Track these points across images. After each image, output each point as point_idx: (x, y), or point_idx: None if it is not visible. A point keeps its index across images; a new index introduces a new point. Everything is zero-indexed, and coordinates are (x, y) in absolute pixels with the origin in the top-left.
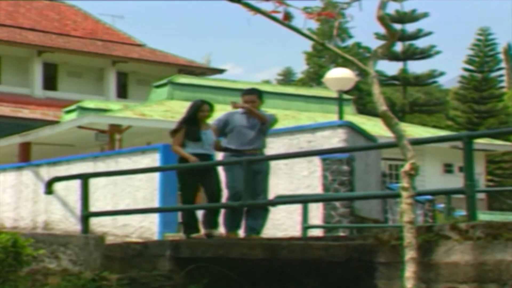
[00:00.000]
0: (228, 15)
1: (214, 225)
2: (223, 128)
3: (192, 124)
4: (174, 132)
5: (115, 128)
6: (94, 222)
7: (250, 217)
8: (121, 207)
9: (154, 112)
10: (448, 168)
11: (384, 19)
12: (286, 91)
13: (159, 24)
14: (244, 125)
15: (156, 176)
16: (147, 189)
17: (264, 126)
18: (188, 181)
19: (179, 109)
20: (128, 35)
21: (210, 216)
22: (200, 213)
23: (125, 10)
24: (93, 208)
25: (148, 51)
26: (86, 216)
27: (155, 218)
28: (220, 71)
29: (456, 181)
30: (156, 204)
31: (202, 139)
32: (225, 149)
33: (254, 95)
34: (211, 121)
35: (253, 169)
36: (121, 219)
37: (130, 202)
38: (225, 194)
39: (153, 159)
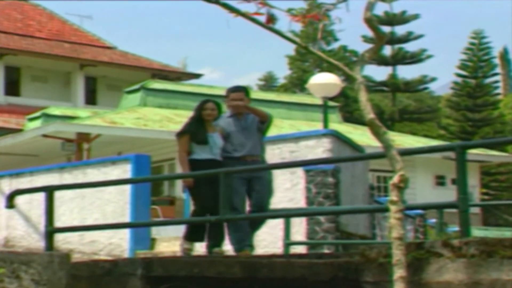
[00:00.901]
0: (206, 16)
1: (219, 240)
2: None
3: (197, 126)
4: (179, 135)
5: (83, 137)
6: (59, 238)
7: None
8: (89, 222)
9: (126, 120)
10: (440, 181)
11: (371, 21)
12: (268, 97)
13: (131, 25)
14: (232, 129)
15: (127, 188)
16: (117, 203)
17: (262, 126)
18: (200, 191)
19: (152, 116)
20: (98, 36)
21: (216, 230)
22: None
23: (94, 10)
24: (58, 223)
25: (119, 54)
26: (50, 232)
27: (125, 234)
28: (197, 76)
29: (449, 194)
30: (127, 219)
31: (209, 142)
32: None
33: (241, 92)
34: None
35: (249, 177)
36: (89, 235)
37: (99, 216)
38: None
39: (124, 170)
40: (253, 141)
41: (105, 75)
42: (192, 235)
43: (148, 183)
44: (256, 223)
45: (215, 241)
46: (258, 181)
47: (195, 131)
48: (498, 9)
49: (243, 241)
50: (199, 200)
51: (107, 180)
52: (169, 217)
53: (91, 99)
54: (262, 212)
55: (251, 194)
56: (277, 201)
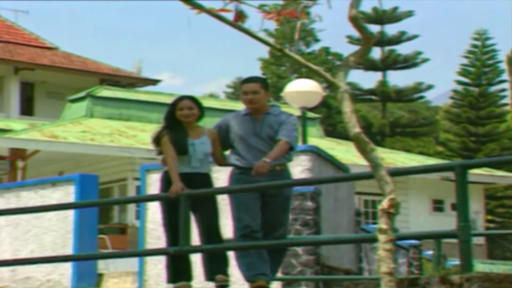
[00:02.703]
0: (166, 13)
1: (221, 272)
2: (225, 137)
3: (173, 130)
4: (155, 141)
5: (18, 153)
6: None
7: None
8: (24, 255)
9: (69, 133)
10: (437, 206)
11: (357, 20)
12: (237, 107)
13: (76, 23)
14: (249, 131)
15: (70, 214)
16: (57, 232)
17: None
18: (172, 213)
19: (100, 129)
20: (36, 35)
21: (213, 261)
22: (198, 256)
23: (32, 4)
24: None
25: (62, 56)
26: None
27: (67, 269)
28: (154, 81)
29: (448, 221)
30: (69, 251)
31: (188, 151)
32: (233, 165)
33: (256, 83)
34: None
35: (265, 193)
36: (23, 270)
37: (36, 248)
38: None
39: (67, 193)
40: (264, 150)
41: (45, 81)
42: (176, 275)
43: (95, 208)
44: (276, 252)
45: (215, 267)
46: (272, 198)
47: (171, 136)
48: (505, 5)
49: (255, 269)
50: (173, 226)
51: (46, 205)
52: (120, 248)
53: (27, 109)
54: (278, 236)
55: (265, 212)
56: None
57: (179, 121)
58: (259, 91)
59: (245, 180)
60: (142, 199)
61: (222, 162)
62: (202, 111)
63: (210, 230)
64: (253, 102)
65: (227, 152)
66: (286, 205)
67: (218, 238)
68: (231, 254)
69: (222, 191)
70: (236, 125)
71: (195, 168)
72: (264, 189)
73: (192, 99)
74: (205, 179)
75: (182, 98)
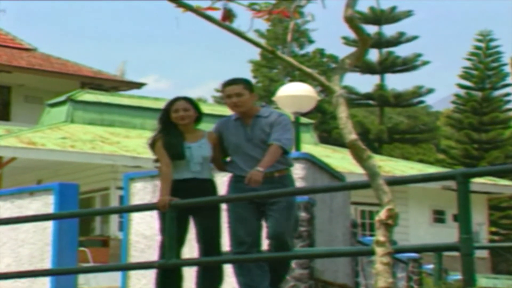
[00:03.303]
0: (152, 13)
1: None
2: (221, 142)
3: (168, 133)
4: (151, 146)
5: None
6: None
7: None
8: None
9: (48, 140)
10: (438, 216)
11: (353, 20)
12: (226, 112)
13: (56, 23)
14: (241, 137)
15: (49, 226)
16: (35, 244)
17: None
18: (170, 222)
19: (81, 135)
20: (13, 35)
21: (205, 277)
22: (192, 270)
23: (9, 2)
24: None
25: (41, 58)
26: None
27: (45, 284)
28: (138, 85)
29: (449, 233)
30: (47, 264)
31: (185, 155)
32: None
33: (240, 85)
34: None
35: (264, 202)
36: None
37: (12, 262)
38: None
39: (45, 203)
40: (258, 157)
41: (22, 84)
42: None
43: (75, 219)
44: (278, 263)
45: (207, 284)
46: (272, 206)
47: (166, 140)
48: (510, 5)
49: (254, 286)
50: (170, 235)
51: (23, 216)
52: (102, 262)
53: (3, 114)
54: (281, 245)
55: (267, 222)
56: None
57: (174, 124)
58: (243, 93)
59: (241, 189)
60: (125, 210)
61: (222, 167)
62: (199, 112)
63: (208, 242)
64: (239, 105)
65: (228, 159)
66: (289, 213)
67: (216, 251)
68: (228, 269)
69: (214, 200)
70: (228, 132)
71: (196, 173)
72: (261, 199)
73: (188, 99)
74: (207, 186)
75: (177, 99)
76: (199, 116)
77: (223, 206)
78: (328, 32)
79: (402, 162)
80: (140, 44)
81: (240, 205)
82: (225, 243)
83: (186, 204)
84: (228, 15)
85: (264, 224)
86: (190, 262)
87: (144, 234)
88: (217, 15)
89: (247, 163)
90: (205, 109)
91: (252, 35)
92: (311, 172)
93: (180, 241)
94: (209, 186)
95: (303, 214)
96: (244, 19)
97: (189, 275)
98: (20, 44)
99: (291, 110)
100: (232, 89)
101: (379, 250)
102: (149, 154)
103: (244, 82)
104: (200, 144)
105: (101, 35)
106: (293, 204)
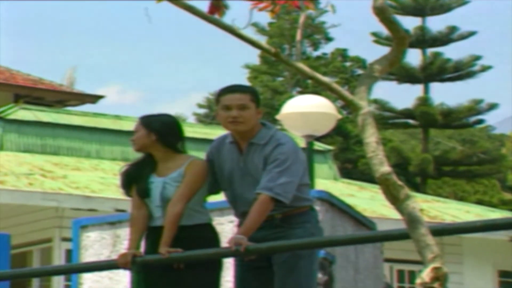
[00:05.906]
0: (114, 5)
1: None
2: (213, 172)
3: (139, 162)
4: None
5: None
6: None
7: None
8: None
9: None
10: (505, 279)
11: (385, 12)
12: (212, 135)
13: None
14: (234, 168)
15: None
16: None
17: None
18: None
19: (14, 167)
20: None
21: None
22: None
23: None
24: None
25: None
26: None
27: None
28: (95, 98)
29: None
30: None
31: (149, 193)
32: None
33: (246, 95)
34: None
35: (264, 259)
36: None
37: None
38: None
39: None
40: (251, 199)
41: None
42: None
43: (6, 282)
44: None
45: None
46: (275, 260)
47: (129, 171)
48: None
49: None
50: None
51: None
52: None
53: None
54: None
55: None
56: None
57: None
58: (248, 106)
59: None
60: (74, 269)
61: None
62: (161, 134)
63: None
64: (240, 121)
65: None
66: (298, 267)
67: None
68: None
69: (187, 257)
70: (222, 159)
71: (156, 220)
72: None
73: (140, 118)
74: (186, 236)
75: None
76: (166, 138)
77: (227, 260)
78: (353, 27)
79: (454, 204)
80: (97, 44)
81: (239, 266)
82: None
83: (153, 261)
84: (217, 6)
85: None
86: None
87: None
88: (204, 6)
89: (239, 207)
90: (185, 130)
91: (249, 32)
92: (329, 217)
93: None
94: (190, 235)
95: (319, 276)
96: (240, 11)
97: None
98: None
99: (302, 132)
100: (235, 98)
101: None
102: (107, 193)
103: (251, 92)
104: (167, 180)
105: (43, 32)
106: (304, 255)
